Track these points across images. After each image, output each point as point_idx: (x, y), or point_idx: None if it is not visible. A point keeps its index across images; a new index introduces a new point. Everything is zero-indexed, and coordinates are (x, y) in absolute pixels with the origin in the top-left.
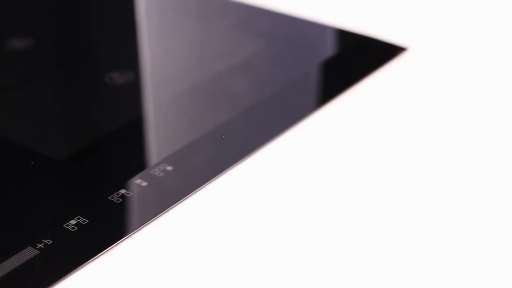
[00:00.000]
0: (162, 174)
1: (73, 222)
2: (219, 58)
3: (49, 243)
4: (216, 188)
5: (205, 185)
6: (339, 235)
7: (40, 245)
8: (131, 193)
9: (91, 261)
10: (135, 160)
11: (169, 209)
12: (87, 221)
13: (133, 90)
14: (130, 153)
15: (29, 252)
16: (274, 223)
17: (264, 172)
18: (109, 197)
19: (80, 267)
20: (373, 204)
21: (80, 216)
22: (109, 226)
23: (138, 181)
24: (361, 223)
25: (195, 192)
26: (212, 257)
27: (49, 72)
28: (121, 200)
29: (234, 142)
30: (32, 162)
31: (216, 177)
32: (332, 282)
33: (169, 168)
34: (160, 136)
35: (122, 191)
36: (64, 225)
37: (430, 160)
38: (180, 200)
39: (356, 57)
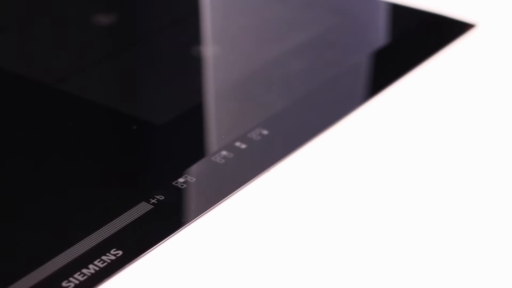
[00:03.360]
0: (259, 137)
1: (181, 180)
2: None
3: (161, 198)
4: (310, 151)
5: (302, 147)
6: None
7: (153, 201)
8: (232, 155)
9: (201, 216)
10: (231, 125)
11: (269, 169)
12: (194, 179)
13: (219, 62)
14: (225, 118)
15: (143, 207)
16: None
17: (349, 137)
18: (212, 158)
19: (191, 221)
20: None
21: (188, 175)
22: (215, 184)
23: (237, 144)
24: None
25: (291, 154)
26: (307, 211)
27: (138, 44)
28: (223, 161)
29: (325, 106)
30: (134, 127)
31: (309, 140)
32: None
33: (265, 132)
34: (252, 102)
35: (223, 152)
36: (173, 183)
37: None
38: (278, 161)
39: (423, 34)
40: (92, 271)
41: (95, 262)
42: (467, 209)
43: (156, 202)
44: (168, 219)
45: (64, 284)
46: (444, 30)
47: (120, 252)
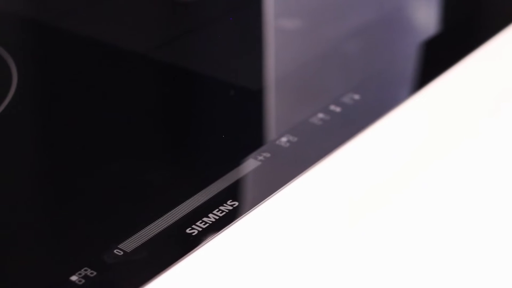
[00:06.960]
0: (352, 101)
1: (284, 139)
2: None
3: (267, 156)
4: (400, 115)
5: (393, 110)
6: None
7: (260, 158)
8: (328, 117)
9: (306, 172)
10: (322, 90)
11: (364, 130)
12: (296, 139)
13: (302, 34)
14: (315, 84)
15: (252, 163)
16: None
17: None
18: (310, 120)
19: (298, 176)
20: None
21: (289, 135)
22: (316, 144)
23: (332, 107)
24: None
25: (385, 117)
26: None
27: (224, 18)
28: (321, 122)
29: (411, 73)
30: (232, 92)
31: (400, 104)
32: None
33: (356, 96)
34: (341, 68)
35: (320, 115)
36: (276, 142)
37: None
38: (372, 123)
39: (482, 16)
40: (213, 219)
41: (214, 212)
42: None
43: (263, 159)
44: (276, 174)
45: (188, 231)
46: (503, 11)
47: (236, 203)
